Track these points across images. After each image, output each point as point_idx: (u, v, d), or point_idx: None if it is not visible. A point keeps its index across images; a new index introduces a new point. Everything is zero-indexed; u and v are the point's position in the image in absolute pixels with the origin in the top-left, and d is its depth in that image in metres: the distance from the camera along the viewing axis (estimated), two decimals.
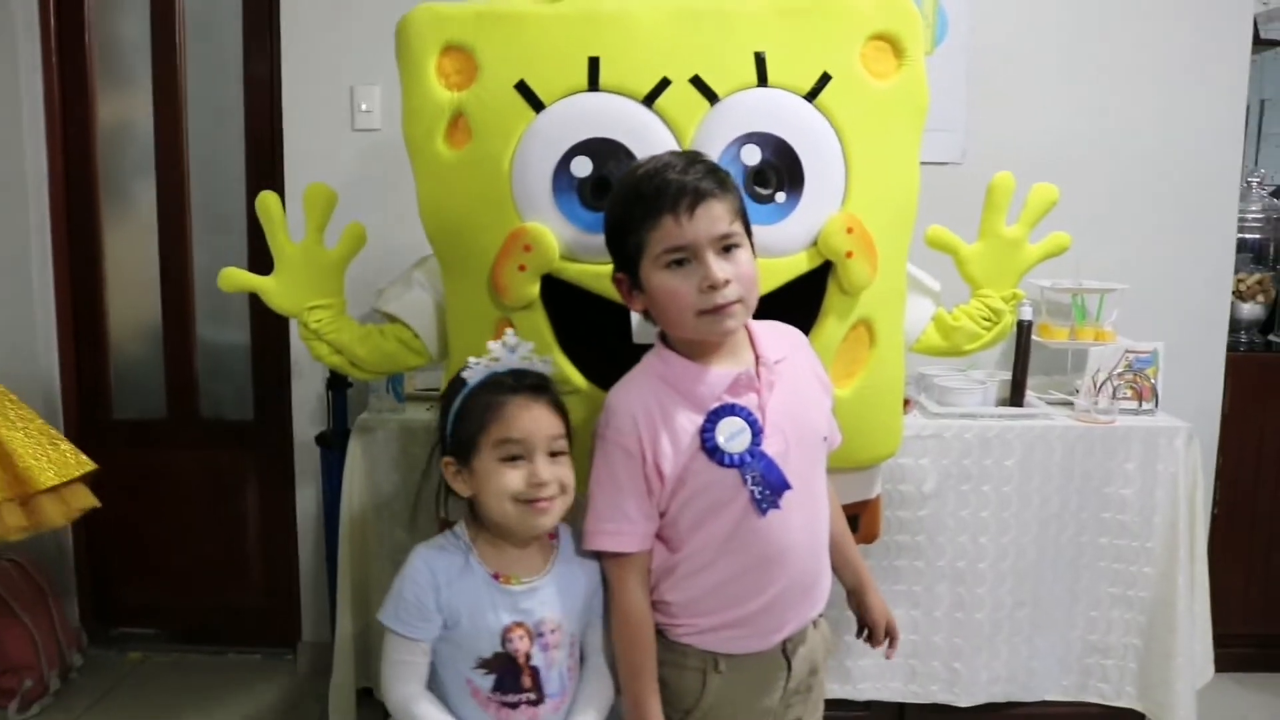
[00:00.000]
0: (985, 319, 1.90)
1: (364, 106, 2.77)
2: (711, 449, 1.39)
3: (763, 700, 1.50)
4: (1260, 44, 3.00)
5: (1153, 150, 2.79)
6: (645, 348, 1.62)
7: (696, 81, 1.63)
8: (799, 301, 1.69)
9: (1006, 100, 2.77)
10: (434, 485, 1.53)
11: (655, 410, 1.42)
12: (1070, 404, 2.47)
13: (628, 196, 1.42)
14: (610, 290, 1.61)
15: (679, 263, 1.38)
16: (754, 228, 1.59)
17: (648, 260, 1.40)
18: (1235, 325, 2.93)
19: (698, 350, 1.43)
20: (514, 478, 1.38)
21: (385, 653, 1.44)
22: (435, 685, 1.46)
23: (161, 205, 3.01)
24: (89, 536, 3.09)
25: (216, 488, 3.07)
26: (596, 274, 1.61)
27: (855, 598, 1.69)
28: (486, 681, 1.42)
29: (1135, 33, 2.77)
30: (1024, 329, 2.45)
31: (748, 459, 1.39)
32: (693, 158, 1.42)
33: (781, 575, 1.44)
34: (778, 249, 1.64)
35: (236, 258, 2.92)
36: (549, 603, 1.44)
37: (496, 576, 1.43)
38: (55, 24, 2.92)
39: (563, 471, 1.42)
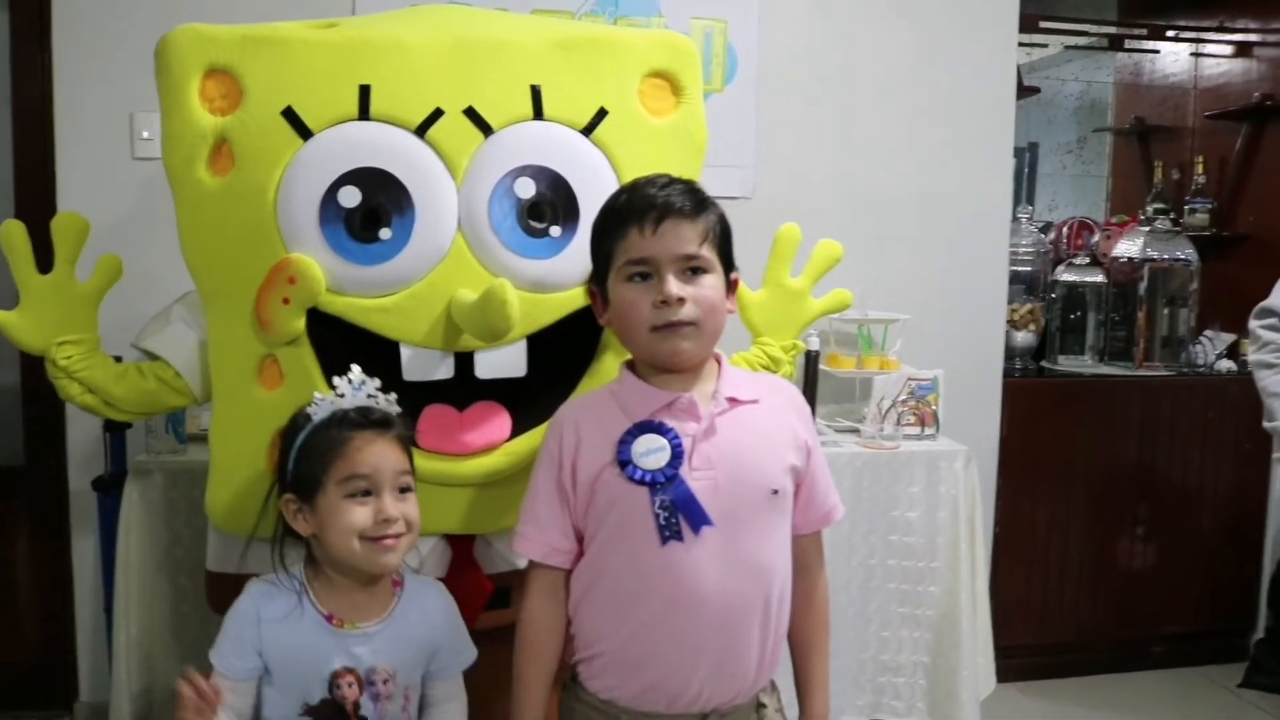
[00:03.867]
0: (764, 367, 1.93)
1: (145, 134, 2.64)
2: (624, 460, 1.35)
3: None
4: (1024, 91, 3.21)
5: (931, 188, 2.94)
6: (417, 385, 1.60)
7: (470, 113, 1.62)
8: (576, 338, 1.69)
9: (793, 138, 2.87)
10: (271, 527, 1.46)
11: (590, 419, 1.40)
12: (857, 431, 2.56)
13: (606, 208, 1.43)
14: (379, 325, 1.58)
15: (642, 276, 1.36)
16: (527, 262, 1.61)
17: (613, 271, 1.39)
18: (1010, 353, 3.11)
19: (654, 374, 1.40)
20: (361, 514, 1.35)
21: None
22: None
23: None
24: None
25: None
26: (364, 308, 1.57)
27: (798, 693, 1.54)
28: None
29: (913, 77, 2.93)
30: (812, 359, 2.53)
31: (660, 479, 1.34)
32: (676, 180, 1.41)
33: (688, 625, 1.35)
34: (553, 284, 1.64)
35: (7, 293, 2.73)
36: (383, 651, 1.39)
37: (330, 618, 1.38)
38: None
39: (409, 508, 1.39)
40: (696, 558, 1.34)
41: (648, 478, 1.35)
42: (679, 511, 1.34)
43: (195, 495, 2.17)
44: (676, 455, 1.35)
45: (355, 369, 1.44)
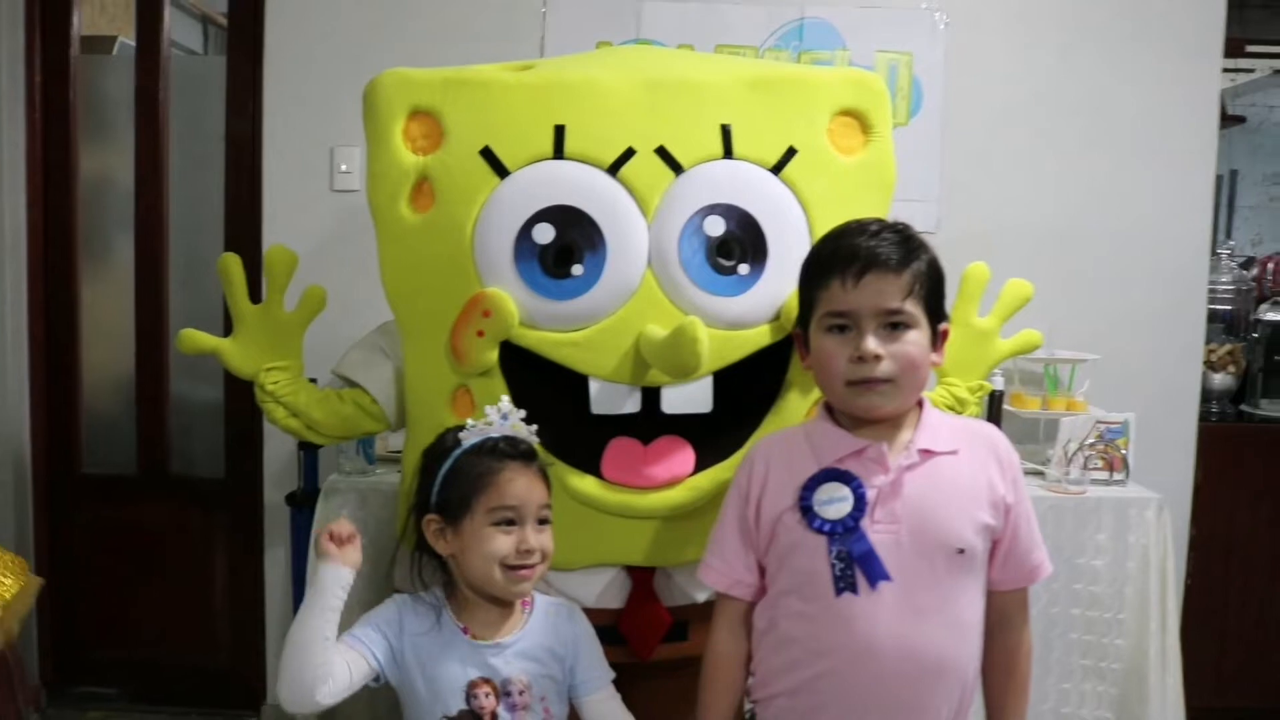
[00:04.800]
0: (949, 408, 1.89)
1: (343, 167, 2.79)
2: (805, 507, 1.35)
3: None
4: (1227, 120, 3.04)
5: (1124, 222, 2.83)
6: (602, 419, 1.62)
7: (661, 152, 1.64)
8: (762, 376, 1.69)
9: (980, 170, 2.80)
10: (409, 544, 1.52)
11: (780, 458, 1.41)
12: (1041, 474, 2.47)
13: (813, 254, 1.43)
14: (570, 359, 1.62)
15: (841, 329, 1.35)
16: (715, 299, 1.62)
17: (814, 320, 1.38)
18: (1206, 395, 2.95)
19: (852, 421, 1.38)
20: (505, 543, 1.39)
21: None
22: None
23: (139, 260, 3.01)
24: (52, 592, 3.03)
25: (185, 546, 3.03)
26: (556, 342, 1.61)
27: None
28: None
29: (1107, 106, 2.82)
30: (995, 399, 2.46)
31: (839, 529, 1.32)
32: (890, 226, 1.38)
33: (861, 680, 1.32)
34: (740, 321, 1.65)
35: (213, 313, 2.89)
36: (517, 662, 1.43)
37: (466, 630, 1.43)
38: (40, 79, 2.94)
39: (546, 540, 1.43)
40: (873, 612, 1.31)
41: (827, 527, 1.33)
42: (856, 564, 1.32)
43: (382, 515, 2.27)
44: (859, 506, 1.33)
45: (504, 399, 1.48)
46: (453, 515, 1.42)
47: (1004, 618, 1.42)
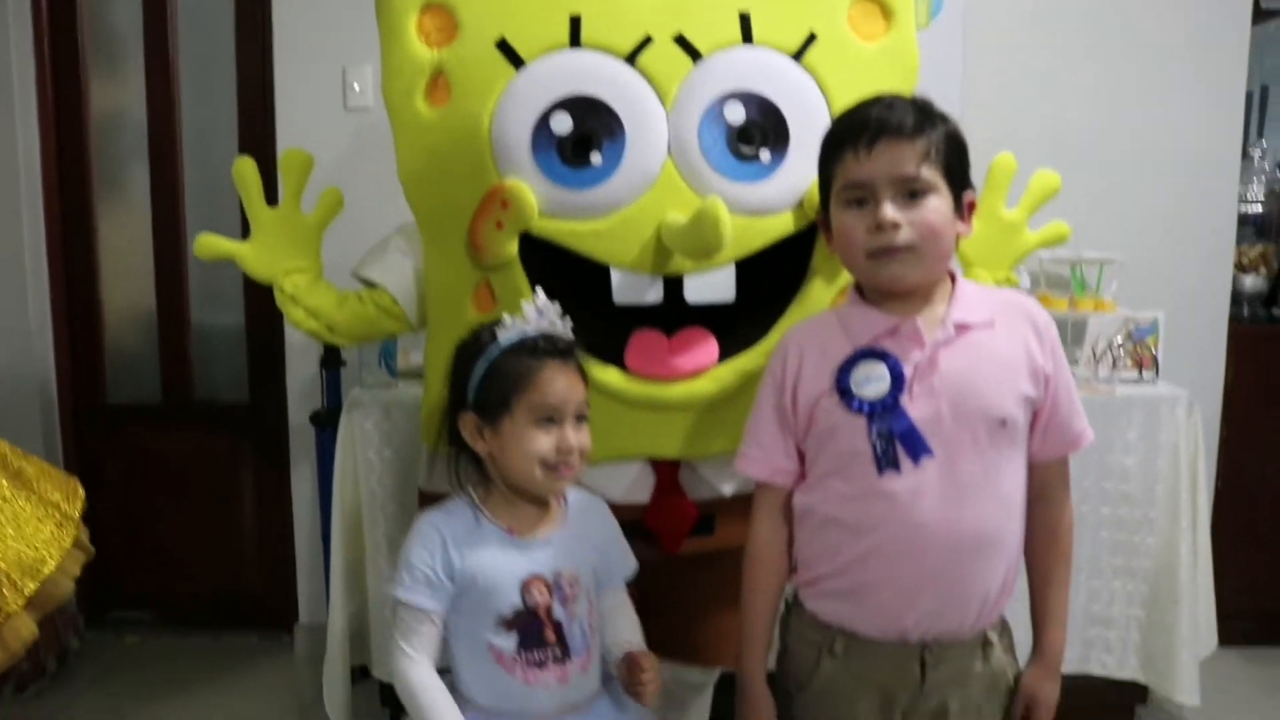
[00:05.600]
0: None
1: (356, 86, 2.76)
2: (843, 389, 1.33)
3: (880, 706, 1.37)
4: (1262, 16, 2.95)
5: (1153, 123, 2.76)
6: (625, 310, 1.61)
7: (680, 39, 1.61)
8: (785, 265, 1.67)
9: (1003, 76, 2.74)
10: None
11: (813, 343, 1.39)
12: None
13: (828, 132, 1.39)
14: (590, 248, 1.59)
15: (859, 202, 1.32)
16: (736, 186, 1.59)
17: (833, 196, 1.35)
18: (1237, 298, 2.90)
19: (881, 297, 1.36)
20: (545, 442, 1.38)
21: (395, 625, 1.41)
22: (456, 663, 1.43)
23: (155, 190, 3.00)
24: (85, 519, 3.07)
25: (212, 470, 3.06)
26: (576, 232, 1.59)
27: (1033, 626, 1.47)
28: (509, 642, 1.39)
29: (1134, 6, 2.74)
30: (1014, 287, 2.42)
31: (879, 408, 1.31)
32: (905, 98, 1.35)
33: (907, 556, 1.31)
34: (762, 208, 1.62)
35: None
36: (564, 553, 1.43)
37: (510, 531, 1.42)
38: (47, 10, 2.91)
39: (585, 437, 1.42)
40: (916, 488, 1.30)
41: (866, 407, 1.31)
42: (897, 441, 1.30)
43: (406, 427, 2.27)
44: (897, 383, 1.31)
45: (540, 293, 1.45)
46: (491, 415, 1.40)
47: (1045, 489, 1.40)
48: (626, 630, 1.50)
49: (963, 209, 1.35)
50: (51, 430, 3.02)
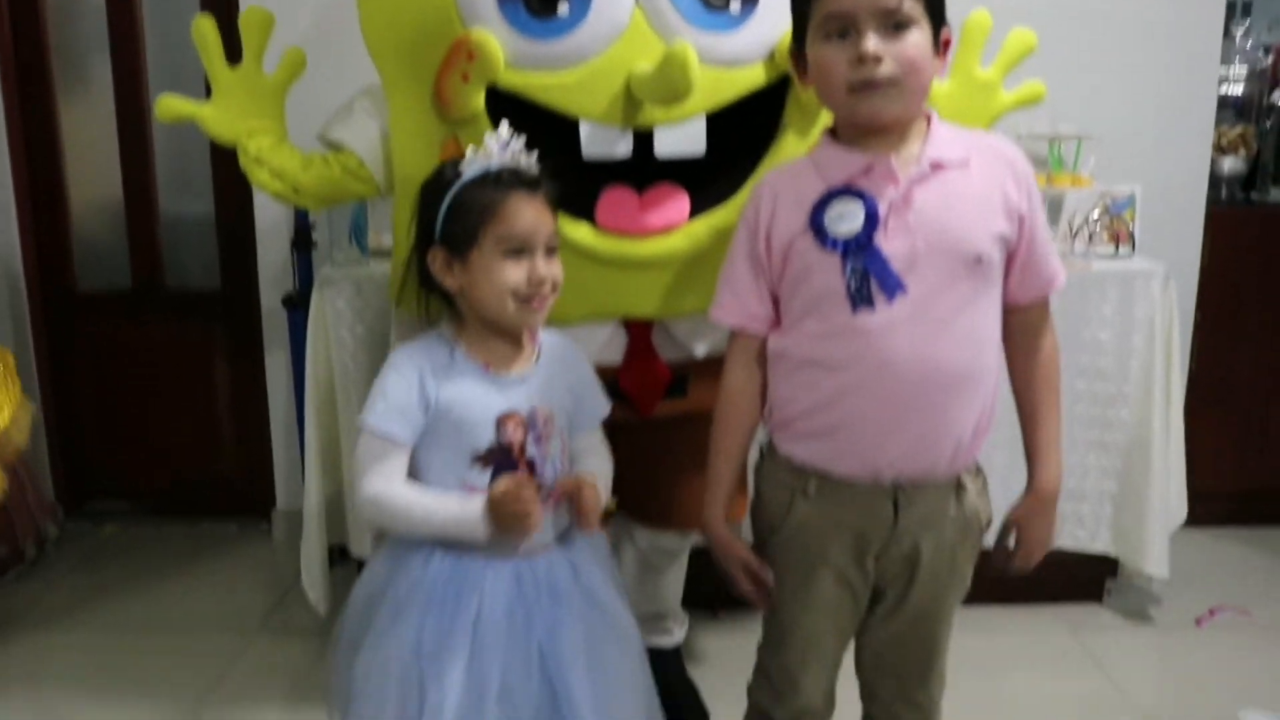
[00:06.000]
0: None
1: None
2: (817, 228, 1.31)
3: (853, 547, 1.38)
4: None
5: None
6: (595, 167, 1.58)
7: None
8: (757, 118, 1.64)
9: None
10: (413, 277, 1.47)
11: (788, 186, 1.36)
12: None
13: None
14: (558, 100, 1.56)
15: (840, 34, 1.27)
16: (706, 36, 1.56)
17: (811, 29, 1.31)
18: (1215, 180, 2.87)
19: (855, 136, 1.33)
20: (515, 273, 1.35)
21: (359, 455, 1.39)
22: None
23: (117, 76, 2.92)
24: (59, 410, 3.06)
25: (186, 358, 3.03)
26: (543, 84, 1.55)
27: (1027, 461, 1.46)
28: (483, 478, 1.38)
29: None
30: None
31: (853, 246, 1.29)
32: None
33: (882, 393, 1.31)
34: (732, 59, 1.58)
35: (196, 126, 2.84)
36: (538, 391, 1.42)
37: (486, 367, 1.40)
38: None
39: (556, 269, 1.40)
40: (890, 325, 1.29)
41: (840, 244, 1.30)
42: (871, 278, 1.29)
43: (377, 303, 2.24)
44: (871, 220, 1.29)
45: (503, 126, 1.42)
46: (459, 248, 1.37)
47: (1027, 327, 1.40)
48: (598, 469, 1.49)
49: (939, 46, 1.32)
50: (21, 320, 2.98)
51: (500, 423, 1.38)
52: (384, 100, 1.73)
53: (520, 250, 1.35)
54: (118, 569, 2.81)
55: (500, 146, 1.39)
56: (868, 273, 1.28)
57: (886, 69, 1.26)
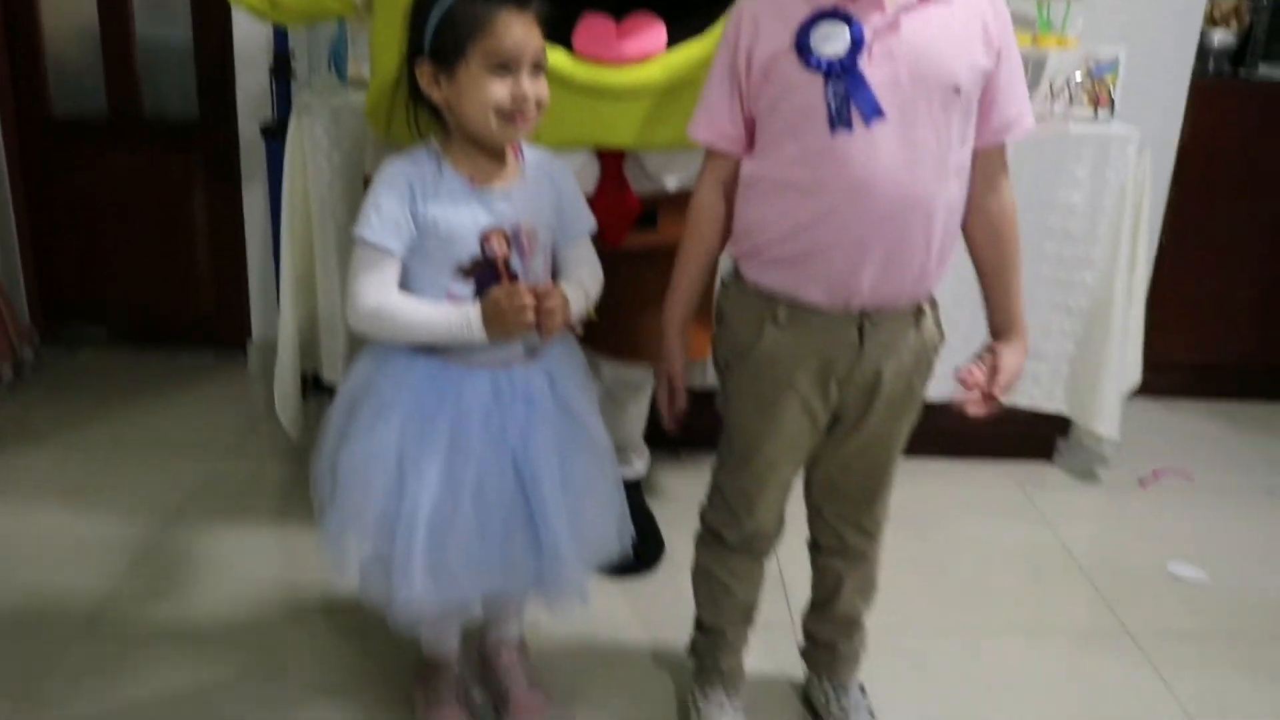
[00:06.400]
0: None
1: None
2: (802, 46, 1.30)
3: (819, 373, 1.42)
4: None
5: None
6: None
7: None
8: None
9: None
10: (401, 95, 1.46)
11: (770, 7, 1.35)
12: None
13: None
14: None
15: None
16: None
17: None
18: (1204, 52, 2.85)
19: None
20: (500, 89, 1.34)
21: (353, 269, 1.41)
22: None
23: None
24: (35, 236, 3.06)
25: (163, 187, 3.02)
26: None
27: (993, 339, 1.50)
28: (466, 290, 1.41)
29: None
30: None
31: (836, 67, 1.29)
32: None
33: (856, 218, 1.32)
34: None
35: None
36: (522, 207, 1.43)
37: (471, 180, 1.42)
38: None
39: (541, 88, 1.39)
40: (867, 149, 1.30)
41: (824, 64, 1.30)
42: (851, 100, 1.30)
43: (355, 130, 2.23)
44: (856, 44, 1.29)
45: None
46: (447, 62, 1.36)
47: (986, 175, 1.41)
48: (582, 278, 1.51)
49: None
50: None
51: (484, 237, 1.40)
52: None
53: (506, 66, 1.35)
54: (94, 394, 2.85)
55: None
56: (849, 95, 1.29)
57: None
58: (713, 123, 1.41)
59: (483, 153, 1.42)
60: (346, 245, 2.28)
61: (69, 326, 3.17)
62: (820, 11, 1.31)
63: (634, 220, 1.76)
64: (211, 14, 2.81)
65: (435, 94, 1.39)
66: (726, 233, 1.47)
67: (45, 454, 2.52)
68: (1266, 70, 2.98)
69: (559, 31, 1.57)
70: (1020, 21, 2.52)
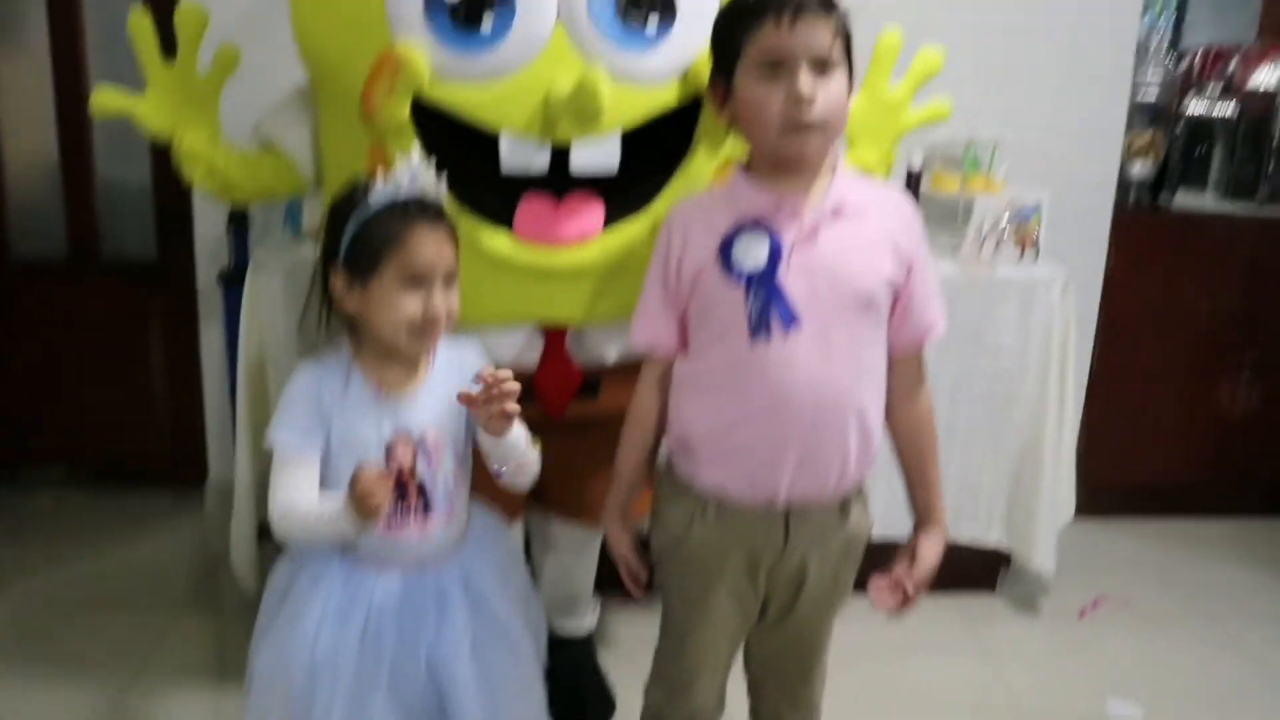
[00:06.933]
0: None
1: None
2: (725, 259, 1.40)
3: (749, 569, 1.49)
4: None
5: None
6: (512, 180, 1.65)
7: None
8: (670, 136, 1.71)
9: None
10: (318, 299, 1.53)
11: (699, 218, 1.45)
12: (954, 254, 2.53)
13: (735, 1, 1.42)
14: (479, 112, 1.62)
15: (772, 71, 1.35)
16: (624, 54, 1.62)
17: (742, 67, 1.38)
18: (1124, 184, 2.99)
19: (768, 173, 1.42)
20: (412, 305, 1.40)
21: (272, 473, 1.45)
22: None
23: (54, 38, 2.91)
24: None
25: (121, 328, 3.05)
26: (466, 98, 1.61)
27: (915, 528, 1.58)
28: None
29: None
30: (915, 180, 2.50)
31: (756, 279, 1.38)
32: None
33: (776, 421, 1.40)
34: (648, 77, 1.65)
35: (136, 88, 2.84)
36: (430, 413, 1.48)
37: (379, 388, 1.46)
38: None
39: (453, 300, 1.45)
40: (787, 357, 1.38)
41: (745, 277, 1.39)
42: (771, 310, 1.38)
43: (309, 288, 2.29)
44: (775, 255, 1.38)
45: (415, 152, 1.48)
46: (361, 274, 1.42)
47: (905, 386, 1.50)
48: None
49: (851, 89, 1.42)
50: None
51: (390, 448, 1.45)
52: (315, 100, 1.78)
53: (419, 281, 1.40)
54: (51, 538, 2.84)
55: (409, 175, 1.43)
56: (768, 305, 1.38)
57: (818, 111, 1.34)
58: (650, 328, 1.50)
59: (393, 361, 1.47)
60: None
61: (26, 467, 3.17)
62: (742, 223, 1.40)
63: (575, 391, 1.83)
64: (170, 156, 2.86)
65: (348, 304, 1.44)
66: (663, 427, 1.55)
67: (2, 605, 2.51)
68: (1182, 199, 3.13)
69: (501, 214, 1.67)
70: (948, 163, 2.68)
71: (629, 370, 1.61)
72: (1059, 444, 2.51)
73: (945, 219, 2.61)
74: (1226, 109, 3.17)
